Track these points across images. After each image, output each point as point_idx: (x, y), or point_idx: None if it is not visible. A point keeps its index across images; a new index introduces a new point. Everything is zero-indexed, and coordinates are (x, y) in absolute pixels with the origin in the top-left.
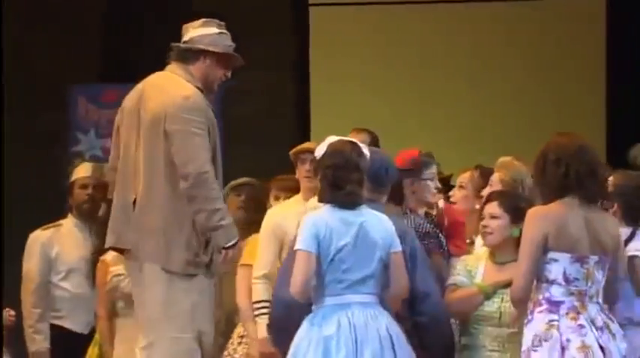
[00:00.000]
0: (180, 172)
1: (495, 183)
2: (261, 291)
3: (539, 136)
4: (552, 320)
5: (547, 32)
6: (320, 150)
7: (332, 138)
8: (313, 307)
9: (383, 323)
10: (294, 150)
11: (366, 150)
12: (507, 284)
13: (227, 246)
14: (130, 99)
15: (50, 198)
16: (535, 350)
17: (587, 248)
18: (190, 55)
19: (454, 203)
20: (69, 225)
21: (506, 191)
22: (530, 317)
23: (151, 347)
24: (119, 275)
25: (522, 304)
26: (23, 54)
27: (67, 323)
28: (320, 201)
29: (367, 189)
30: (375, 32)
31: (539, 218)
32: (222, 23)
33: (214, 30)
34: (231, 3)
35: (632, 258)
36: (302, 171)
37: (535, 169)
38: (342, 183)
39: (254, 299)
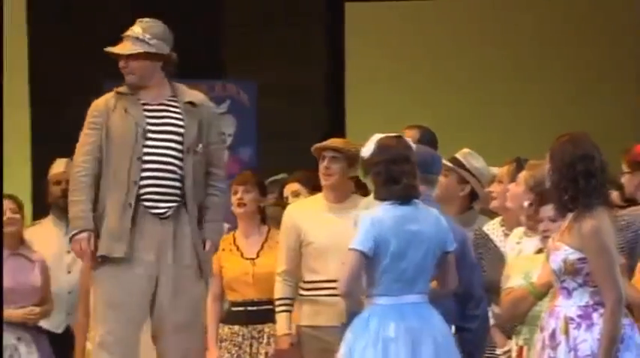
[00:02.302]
0: None
1: (520, 182)
2: (281, 288)
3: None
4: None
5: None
6: (367, 149)
7: (377, 136)
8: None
9: (436, 325)
10: (314, 146)
11: (412, 144)
12: None
13: (70, 236)
14: None
15: None
16: None
17: None
18: None
19: (494, 198)
20: (48, 223)
21: None
22: (588, 321)
23: None
24: None
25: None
26: (56, 50)
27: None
28: (376, 198)
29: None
30: (411, 29)
31: (609, 227)
32: (141, 19)
33: None
34: (268, 2)
35: None
36: (320, 168)
37: (561, 179)
38: (397, 176)
39: (275, 296)
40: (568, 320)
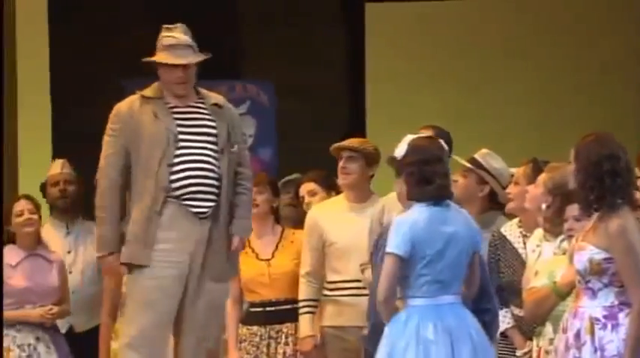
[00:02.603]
0: None
1: (539, 183)
2: (304, 289)
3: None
4: None
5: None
6: (400, 150)
7: (410, 137)
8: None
9: (471, 325)
10: (332, 147)
11: (445, 145)
12: None
13: (98, 256)
14: None
15: None
16: None
17: None
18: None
19: (511, 199)
20: (47, 224)
21: None
22: (613, 321)
23: None
24: None
25: None
26: (77, 49)
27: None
28: (409, 198)
29: None
30: (432, 29)
31: (635, 227)
32: (170, 26)
33: (159, 38)
34: (285, 1)
35: None
36: (338, 168)
37: (588, 178)
38: (430, 177)
39: (299, 298)
40: (593, 321)
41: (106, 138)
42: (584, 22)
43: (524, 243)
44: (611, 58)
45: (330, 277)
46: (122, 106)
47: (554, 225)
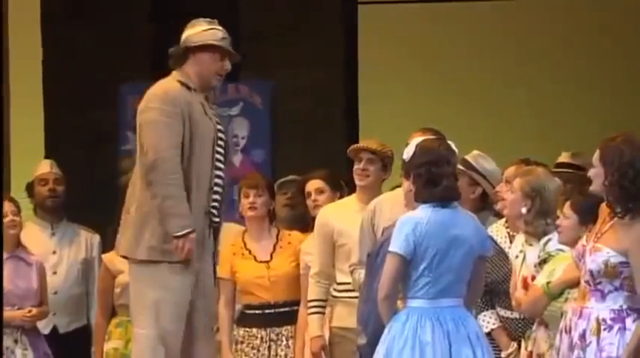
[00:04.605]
0: (146, 159)
1: (515, 189)
2: (313, 290)
3: (597, 135)
4: None
5: (604, 29)
6: (409, 151)
7: (418, 139)
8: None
9: (471, 329)
10: (351, 148)
11: (454, 146)
12: (575, 284)
13: (177, 234)
14: None
15: (101, 197)
16: None
17: None
18: (180, 58)
19: (501, 198)
20: (31, 224)
21: (586, 190)
22: (620, 324)
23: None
24: None
25: None
26: (71, 53)
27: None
28: (416, 200)
29: None
30: (425, 30)
31: None
32: (214, 20)
33: (202, 27)
34: (281, 3)
35: None
36: (356, 169)
37: (622, 178)
38: (437, 178)
39: (308, 298)
40: (600, 322)
41: (162, 119)
42: (594, 24)
43: (511, 243)
44: (622, 57)
45: (341, 278)
46: (174, 89)
47: (536, 227)
